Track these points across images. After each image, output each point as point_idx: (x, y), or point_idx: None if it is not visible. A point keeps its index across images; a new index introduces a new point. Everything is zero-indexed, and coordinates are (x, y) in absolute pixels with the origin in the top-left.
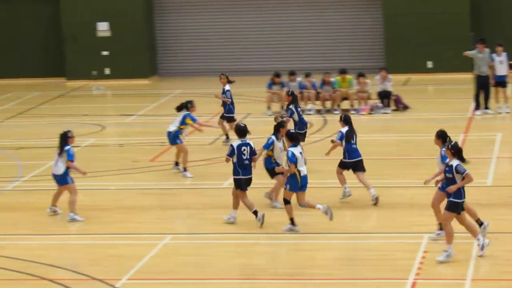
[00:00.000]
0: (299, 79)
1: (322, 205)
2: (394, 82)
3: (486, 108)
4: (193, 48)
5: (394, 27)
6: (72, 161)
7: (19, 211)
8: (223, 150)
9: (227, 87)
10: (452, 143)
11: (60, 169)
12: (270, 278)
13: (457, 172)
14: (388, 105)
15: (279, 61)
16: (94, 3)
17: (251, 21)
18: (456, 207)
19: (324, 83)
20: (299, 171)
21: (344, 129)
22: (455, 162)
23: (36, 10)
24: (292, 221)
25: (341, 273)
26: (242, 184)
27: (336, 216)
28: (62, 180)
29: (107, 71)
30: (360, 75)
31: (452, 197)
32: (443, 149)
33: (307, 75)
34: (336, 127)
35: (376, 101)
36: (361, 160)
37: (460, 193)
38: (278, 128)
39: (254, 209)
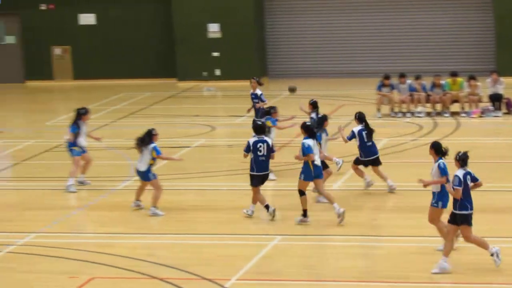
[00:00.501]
0: (409, 81)
1: (339, 207)
2: (506, 85)
3: None
4: (303, 49)
5: (506, 28)
6: (160, 155)
7: (129, 210)
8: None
9: (259, 91)
10: (460, 154)
11: (144, 166)
12: (380, 281)
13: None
14: (499, 108)
15: (389, 63)
16: (205, 4)
17: (361, 23)
18: (467, 219)
19: (435, 85)
20: (312, 161)
21: (357, 128)
22: (458, 172)
23: (148, 12)
24: (304, 213)
25: (465, 278)
26: (255, 180)
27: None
28: (145, 176)
29: (217, 72)
30: (471, 77)
31: (460, 210)
32: (440, 161)
33: (417, 78)
34: (446, 130)
35: (487, 104)
36: (377, 157)
37: (465, 205)
38: (322, 122)
39: (265, 203)
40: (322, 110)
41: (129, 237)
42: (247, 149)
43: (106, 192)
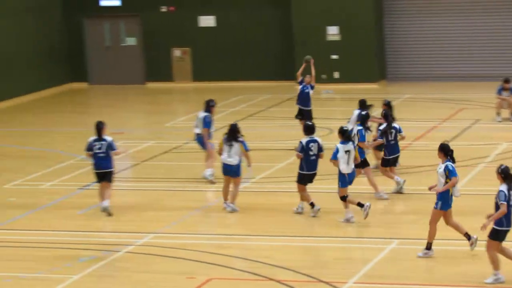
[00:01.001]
0: None
1: (365, 203)
2: None
3: None
4: (421, 52)
5: None
6: (248, 150)
7: (247, 211)
8: None
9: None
10: (502, 167)
11: (236, 160)
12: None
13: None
14: None
15: (509, 66)
16: (324, 7)
17: (481, 25)
18: (498, 235)
19: None
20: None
21: (382, 127)
22: (502, 187)
23: (268, 14)
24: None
25: None
26: (304, 179)
27: None
28: (237, 171)
29: (336, 75)
30: None
31: (495, 225)
32: (448, 163)
33: None
34: None
35: None
36: (398, 156)
37: (501, 221)
38: (365, 119)
39: (311, 201)
40: (441, 113)
41: (246, 239)
42: (302, 149)
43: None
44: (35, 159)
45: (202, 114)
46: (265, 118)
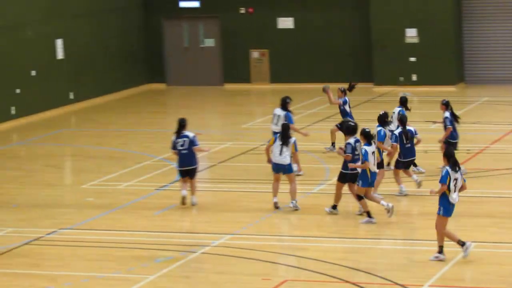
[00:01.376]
0: None
1: (387, 203)
2: None
3: None
4: (501, 55)
5: None
6: (296, 152)
7: (323, 213)
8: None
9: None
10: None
11: (288, 159)
12: None
13: None
14: None
15: None
16: (403, 9)
17: None
18: None
19: None
20: (369, 169)
21: (398, 131)
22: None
23: (346, 16)
24: (368, 214)
25: None
26: (345, 178)
27: None
28: (289, 169)
29: (414, 77)
30: None
31: None
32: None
33: None
34: None
35: None
36: (413, 159)
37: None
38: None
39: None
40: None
41: (321, 241)
42: (352, 150)
43: (300, 195)
44: (112, 160)
45: (282, 111)
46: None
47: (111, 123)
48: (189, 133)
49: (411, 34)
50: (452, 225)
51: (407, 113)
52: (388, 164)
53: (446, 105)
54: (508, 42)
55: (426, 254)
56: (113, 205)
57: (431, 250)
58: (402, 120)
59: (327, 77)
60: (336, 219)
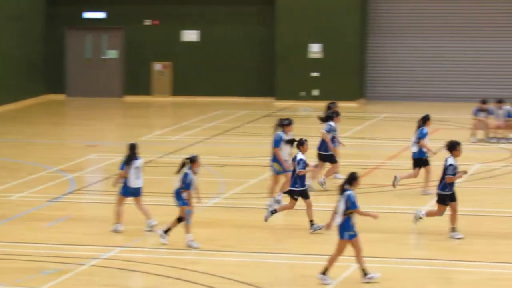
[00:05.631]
0: (507, 107)
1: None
2: None
3: None
4: (401, 72)
5: None
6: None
7: (217, 227)
8: None
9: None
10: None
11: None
12: None
13: None
14: None
15: (487, 88)
16: (307, 24)
17: (459, 47)
18: None
19: None
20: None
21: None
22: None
23: (251, 30)
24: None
25: None
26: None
27: None
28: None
29: (315, 92)
30: None
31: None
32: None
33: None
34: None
35: None
36: None
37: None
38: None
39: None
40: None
41: (214, 254)
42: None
43: (196, 209)
44: (6, 170)
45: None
46: (241, 134)
47: (7, 133)
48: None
49: (315, 49)
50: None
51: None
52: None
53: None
54: (408, 60)
55: (315, 269)
56: (3, 217)
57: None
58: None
59: (229, 91)
60: (230, 233)
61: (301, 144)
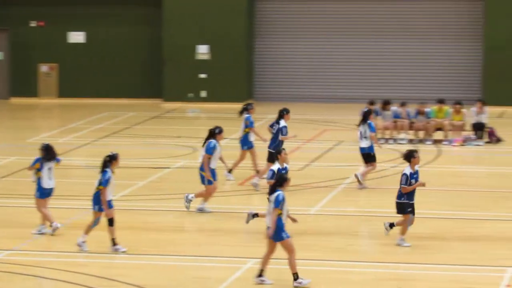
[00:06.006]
0: (394, 108)
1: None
2: (489, 115)
3: None
4: (289, 73)
5: (494, 60)
6: None
7: (105, 229)
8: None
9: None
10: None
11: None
12: None
13: None
14: (481, 137)
15: (375, 89)
16: (195, 26)
17: (348, 49)
18: None
19: (419, 113)
20: None
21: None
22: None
23: (138, 32)
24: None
25: None
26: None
27: (418, 247)
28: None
29: (203, 94)
30: (457, 103)
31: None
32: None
33: (403, 104)
34: (427, 158)
35: (470, 133)
36: None
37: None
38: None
39: None
40: (305, 134)
41: (103, 257)
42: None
43: (81, 211)
44: None
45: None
46: (129, 135)
47: None
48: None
49: (203, 50)
50: (232, 240)
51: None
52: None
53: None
54: (296, 61)
55: (206, 271)
56: None
57: (214, 267)
58: None
59: (116, 92)
60: (119, 235)
61: (278, 153)
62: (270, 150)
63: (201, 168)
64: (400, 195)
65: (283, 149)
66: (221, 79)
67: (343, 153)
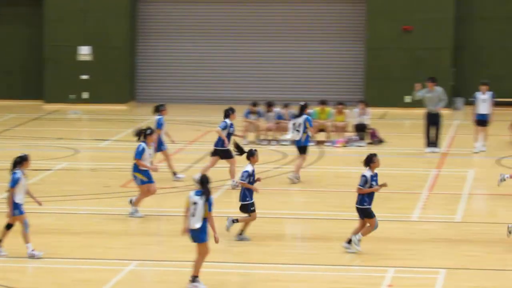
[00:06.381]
0: (277, 109)
1: None
2: (371, 116)
3: (435, 145)
4: (172, 75)
5: (376, 61)
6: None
7: None
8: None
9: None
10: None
11: None
12: None
13: None
14: (363, 138)
15: (259, 90)
16: (77, 27)
17: (233, 50)
18: None
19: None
20: None
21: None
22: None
23: (18, 32)
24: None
25: None
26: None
27: (301, 248)
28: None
29: (85, 95)
30: (340, 104)
31: None
32: None
33: (286, 106)
34: (310, 158)
35: (352, 134)
36: None
37: None
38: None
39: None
40: (188, 136)
41: None
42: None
43: None
44: None
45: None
46: (9, 137)
47: None
48: None
49: (84, 51)
50: (114, 243)
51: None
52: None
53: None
54: (178, 62)
55: (87, 273)
56: None
57: (95, 269)
58: None
59: None
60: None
61: (251, 155)
62: (217, 148)
63: (134, 170)
64: (362, 200)
65: (256, 150)
66: (103, 81)
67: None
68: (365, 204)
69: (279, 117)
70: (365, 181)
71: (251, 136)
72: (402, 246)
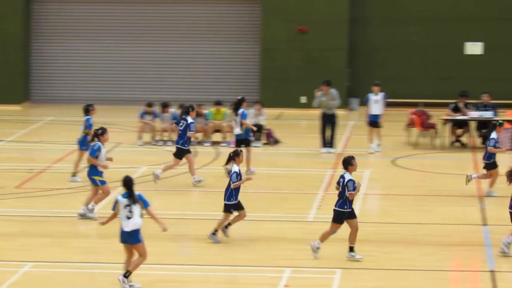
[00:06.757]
0: (172, 110)
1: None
2: (267, 116)
3: (330, 146)
4: (67, 75)
5: (271, 61)
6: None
7: None
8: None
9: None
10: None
11: None
12: None
13: None
14: (259, 139)
15: (155, 91)
16: None
17: (129, 50)
18: None
19: (197, 115)
20: None
21: None
22: None
23: None
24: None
25: None
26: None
27: (202, 248)
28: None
29: None
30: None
31: None
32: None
33: (181, 106)
34: (205, 159)
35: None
36: None
37: None
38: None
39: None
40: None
41: None
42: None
43: None
44: None
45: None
46: None
47: None
48: None
49: None
50: (9, 244)
51: None
52: None
53: None
54: (74, 62)
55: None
56: None
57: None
58: None
59: None
60: None
61: (236, 155)
62: (179, 146)
63: (90, 173)
64: (343, 203)
65: (241, 150)
66: None
67: (122, 156)
68: (346, 207)
69: (175, 117)
70: (353, 184)
71: (147, 137)
72: (298, 246)
